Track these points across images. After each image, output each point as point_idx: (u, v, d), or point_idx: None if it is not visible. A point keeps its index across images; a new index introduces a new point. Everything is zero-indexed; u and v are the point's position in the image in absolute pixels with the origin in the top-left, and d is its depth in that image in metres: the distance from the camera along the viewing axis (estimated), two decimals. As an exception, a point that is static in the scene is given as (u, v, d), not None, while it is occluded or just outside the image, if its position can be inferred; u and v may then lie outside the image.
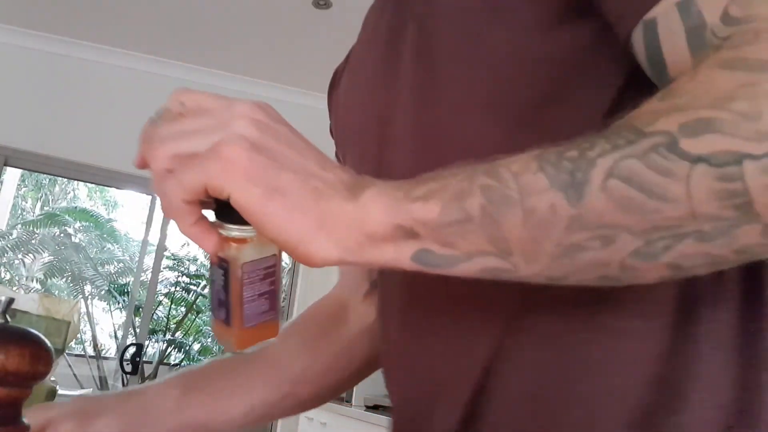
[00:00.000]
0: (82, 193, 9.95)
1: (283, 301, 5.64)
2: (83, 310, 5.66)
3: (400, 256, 0.28)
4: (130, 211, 9.86)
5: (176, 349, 5.61)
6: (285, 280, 5.54)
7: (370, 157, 0.47)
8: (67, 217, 8.02)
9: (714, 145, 0.23)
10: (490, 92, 0.37)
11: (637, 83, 0.33)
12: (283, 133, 0.29)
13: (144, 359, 3.65)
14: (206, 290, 6.22)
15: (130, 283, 6.45)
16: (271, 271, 0.32)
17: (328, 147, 0.92)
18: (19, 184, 9.39)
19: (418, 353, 0.40)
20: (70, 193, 9.92)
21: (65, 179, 8.35)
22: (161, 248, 3.85)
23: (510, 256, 0.26)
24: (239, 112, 0.30)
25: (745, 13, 0.27)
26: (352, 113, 0.52)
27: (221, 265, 0.32)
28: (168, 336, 5.62)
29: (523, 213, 0.25)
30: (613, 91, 0.34)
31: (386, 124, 0.44)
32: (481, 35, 0.37)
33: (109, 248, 8.37)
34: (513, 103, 0.36)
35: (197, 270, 6.24)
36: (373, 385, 2.30)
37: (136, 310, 4.75)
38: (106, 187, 8.19)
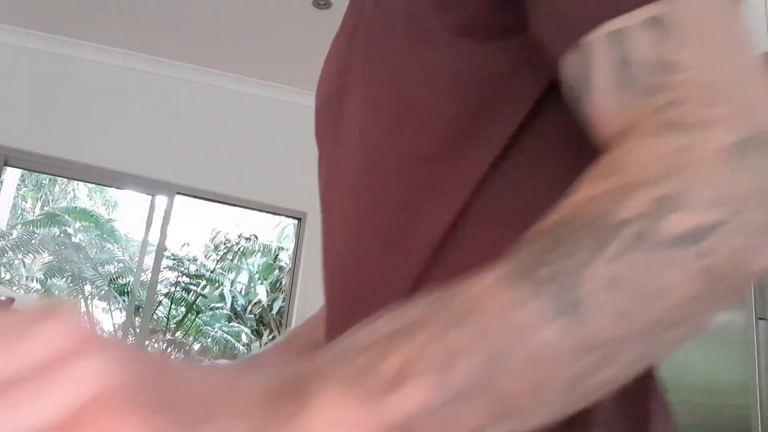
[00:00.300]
0: (82, 193, 9.95)
1: (282, 302, 5.64)
2: (83, 310, 5.66)
3: None
4: (130, 211, 9.86)
5: (176, 349, 5.60)
6: (285, 281, 5.55)
7: (327, 134, 0.48)
8: (67, 217, 8.02)
9: (683, 222, 0.22)
10: (417, 104, 0.38)
11: (553, 97, 0.33)
12: None
13: (144, 359, 3.64)
14: (206, 290, 6.22)
15: (130, 283, 6.45)
16: None
17: None
18: (19, 184, 9.38)
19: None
20: (70, 193, 9.92)
21: (65, 179, 8.35)
22: (161, 248, 3.85)
23: (519, 414, 0.22)
24: None
25: (675, 58, 0.27)
26: (318, 95, 0.54)
27: None
28: (168, 336, 5.62)
29: (522, 361, 0.21)
30: (531, 103, 0.35)
31: (340, 115, 0.46)
32: (406, 52, 0.39)
33: (109, 248, 8.37)
34: (440, 114, 0.37)
35: (197, 270, 6.24)
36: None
37: (136, 310, 4.75)
38: (106, 187, 8.19)
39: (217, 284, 6.45)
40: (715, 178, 0.23)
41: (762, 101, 0.26)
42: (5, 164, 3.53)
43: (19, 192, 9.47)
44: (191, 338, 5.97)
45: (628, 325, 0.22)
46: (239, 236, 6.62)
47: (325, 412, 0.20)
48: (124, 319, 5.76)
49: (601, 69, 0.28)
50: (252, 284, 6.96)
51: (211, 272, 6.27)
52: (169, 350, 5.43)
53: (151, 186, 3.78)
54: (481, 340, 0.21)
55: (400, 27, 0.40)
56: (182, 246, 6.76)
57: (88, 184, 7.32)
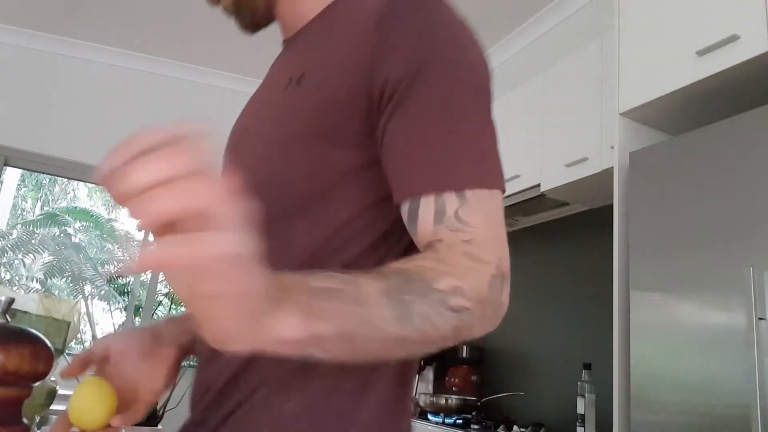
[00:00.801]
0: (81, 193, 9.95)
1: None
2: (83, 310, 5.66)
3: (293, 351, 0.39)
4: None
5: (176, 349, 5.61)
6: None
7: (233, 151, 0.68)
8: (67, 217, 8.02)
9: (460, 303, 0.45)
10: (281, 175, 0.58)
11: (375, 209, 0.56)
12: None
13: (144, 359, 3.64)
14: (206, 290, 6.22)
15: (130, 283, 6.45)
16: None
17: None
18: (19, 184, 9.38)
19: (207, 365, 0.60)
20: (70, 193, 9.92)
21: (65, 179, 8.35)
22: (161, 248, 3.85)
23: (352, 355, 0.43)
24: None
25: (466, 218, 0.49)
26: (231, 134, 0.72)
27: None
28: (168, 336, 5.62)
29: (370, 335, 0.42)
30: (361, 205, 0.56)
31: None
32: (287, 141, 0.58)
33: (109, 248, 8.37)
34: (293, 188, 0.57)
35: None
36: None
37: (136, 310, 4.75)
38: (106, 187, 8.18)
39: (217, 284, 6.47)
40: (480, 288, 0.46)
41: (504, 254, 0.49)
42: (5, 164, 3.52)
43: (19, 192, 9.47)
44: (191, 338, 5.97)
45: (423, 335, 0.44)
46: (239, 236, 6.63)
47: (287, 314, 0.38)
48: (124, 319, 5.76)
49: (427, 214, 0.50)
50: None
51: (211, 272, 6.27)
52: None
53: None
54: (354, 318, 0.41)
55: (286, 120, 0.59)
56: (182, 246, 6.77)
57: (88, 184, 7.32)
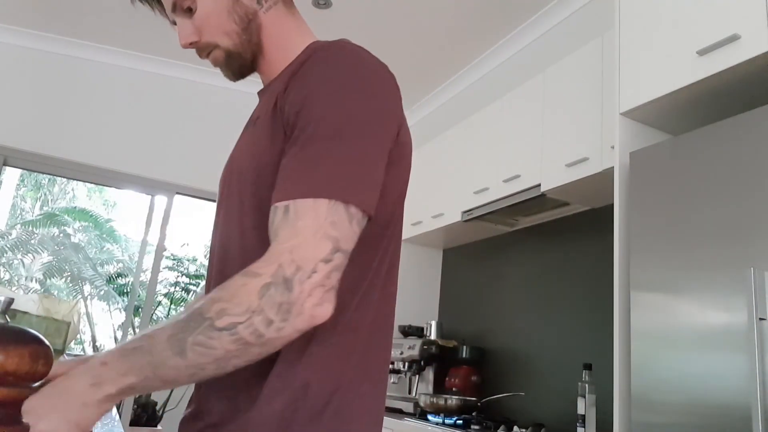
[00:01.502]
0: (81, 193, 9.94)
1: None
2: (83, 310, 5.65)
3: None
4: (130, 211, 9.85)
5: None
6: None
7: (221, 200, 0.80)
8: (66, 217, 8.01)
9: (227, 321, 0.55)
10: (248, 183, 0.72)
11: None
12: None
13: (143, 359, 3.63)
14: (206, 290, 6.21)
15: (130, 283, 6.44)
16: None
17: None
18: (18, 184, 9.37)
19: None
20: (69, 193, 9.91)
21: (64, 179, 8.34)
22: (160, 248, 3.85)
23: (164, 386, 0.58)
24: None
25: (278, 231, 0.58)
26: (224, 169, 0.83)
27: None
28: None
29: (167, 370, 0.56)
30: None
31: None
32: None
33: (108, 248, 8.36)
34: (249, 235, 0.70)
35: (197, 270, 6.23)
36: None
37: (136, 310, 4.75)
38: (105, 187, 8.18)
39: (216, 284, 6.46)
40: (247, 301, 0.56)
41: (289, 260, 0.56)
42: (5, 164, 3.52)
43: (19, 192, 9.46)
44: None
45: (206, 359, 0.56)
46: (239, 236, 6.62)
47: (79, 391, 0.55)
48: (123, 319, 5.76)
49: (270, 221, 0.61)
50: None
51: (211, 272, 6.26)
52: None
53: (150, 186, 3.77)
54: (148, 367, 0.56)
55: (246, 153, 0.74)
56: (182, 246, 6.76)
57: (87, 184, 7.30)
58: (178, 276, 5.97)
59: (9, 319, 0.72)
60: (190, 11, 0.76)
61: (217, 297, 0.57)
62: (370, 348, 0.70)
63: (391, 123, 0.67)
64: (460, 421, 2.40)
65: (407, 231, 3.28)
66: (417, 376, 2.97)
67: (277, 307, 0.55)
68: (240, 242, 0.70)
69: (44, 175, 8.57)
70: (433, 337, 3.08)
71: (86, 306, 5.85)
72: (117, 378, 0.55)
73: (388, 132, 0.67)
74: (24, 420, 0.46)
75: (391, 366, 3.06)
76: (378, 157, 0.64)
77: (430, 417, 2.58)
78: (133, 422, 3.49)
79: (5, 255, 6.95)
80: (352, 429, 0.66)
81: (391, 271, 0.74)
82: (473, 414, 2.54)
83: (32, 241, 7.11)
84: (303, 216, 0.58)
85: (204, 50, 0.78)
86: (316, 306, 0.56)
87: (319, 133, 0.61)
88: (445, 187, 3.08)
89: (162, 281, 5.72)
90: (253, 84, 1.00)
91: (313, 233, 0.57)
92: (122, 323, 5.71)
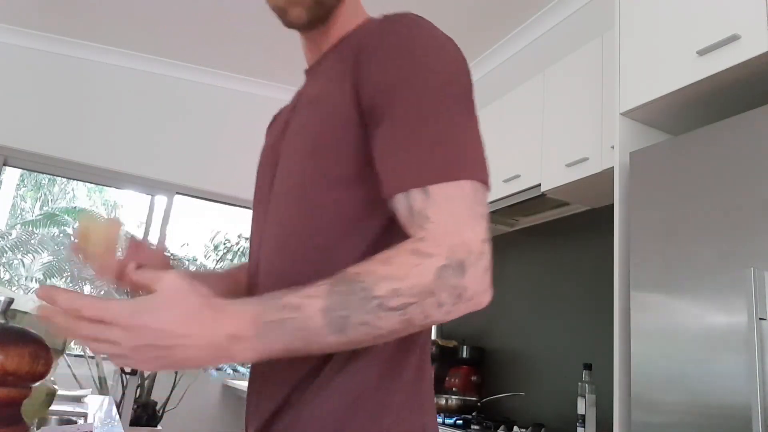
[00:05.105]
0: (81, 193, 9.94)
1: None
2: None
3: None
4: (129, 211, 9.85)
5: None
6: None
7: (263, 190, 0.79)
8: (66, 216, 8.01)
9: (399, 301, 0.53)
10: (317, 209, 0.69)
11: (370, 208, 0.66)
12: (153, 338, 0.49)
13: (143, 359, 3.64)
14: (206, 290, 6.20)
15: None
16: None
17: None
18: (18, 184, 9.37)
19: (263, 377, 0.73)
20: (69, 193, 9.91)
21: (64, 179, 8.34)
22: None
23: (308, 353, 0.55)
24: (132, 343, 0.50)
25: (428, 213, 0.56)
26: (261, 156, 0.84)
27: None
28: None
29: (319, 345, 0.54)
30: (381, 225, 0.66)
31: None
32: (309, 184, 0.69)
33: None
34: (326, 227, 0.68)
35: (197, 270, 6.23)
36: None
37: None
38: (105, 187, 8.18)
39: (216, 284, 6.45)
40: (422, 282, 0.53)
41: (460, 241, 0.55)
42: (5, 164, 3.52)
43: (19, 192, 9.46)
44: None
45: (367, 337, 0.54)
46: (239, 236, 6.61)
47: (228, 314, 0.52)
48: (123, 319, 5.76)
49: (401, 208, 0.59)
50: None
51: (211, 272, 6.26)
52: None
53: (150, 186, 3.77)
54: (298, 340, 0.53)
55: (299, 134, 0.72)
56: (182, 246, 6.76)
57: (87, 184, 7.30)
58: (178, 276, 5.95)
59: (9, 319, 0.72)
60: None
61: (386, 273, 0.53)
62: (424, 345, 0.71)
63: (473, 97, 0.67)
64: (460, 421, 2.40)
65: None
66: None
67: (450, 290, 0.53)
68: (308, 221, 0.67)
69: (44, 175, 8.57)
70: (432, 336, 3.08)
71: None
72: (250, 352, 0.52)
73: (475, 104, 0.67)
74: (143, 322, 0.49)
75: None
76: (479, 130, 0.64)
77: (430, 417, 2.58)
78: (133, 422, 3.49)
79: (5, 255, 6.95)
80: (425, 421, 0.67)
81: None
82: (473, 414, 2.54)
83: (32, 241, 7.12)
84: (453, 198, 0.56)
85: None
86: (483, 292, 0.56)
87: (425, 113, 0.59)
88: (445, 187, 3.08)
89: (162, 281, 5.70)
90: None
91: (470, 215, 0.56)
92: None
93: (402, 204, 0.58)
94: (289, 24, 0.77)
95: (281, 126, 0.79)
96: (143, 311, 0.49)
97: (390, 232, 0.64)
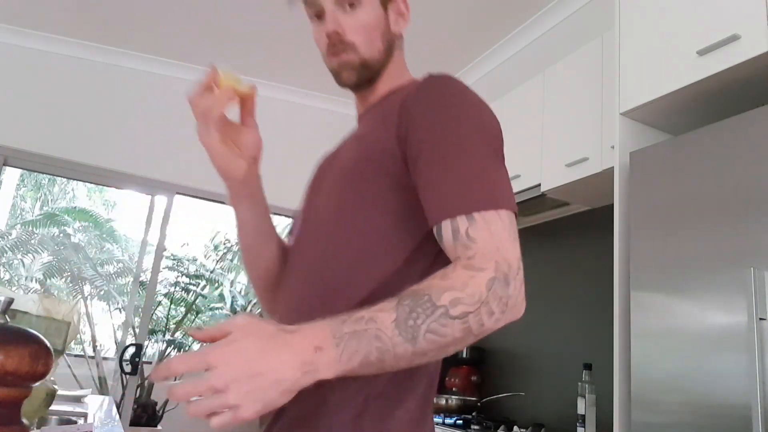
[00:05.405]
0: (81, 193, 9.94)
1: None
2: (83, 310, 5.65)
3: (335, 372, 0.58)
4: (130, 211, 9.85)
5: (176, 350, 5.60)
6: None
7: (307, 206, 0.89)
8: (66, 216, 8.01)
9: (461, 310, 0.59)
10: (354, 231, 0.77)
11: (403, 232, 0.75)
12: (245, 374, 0.53)
13: (143, 359, 3.64)
14: (205, 290, 6.20)
15: (129, 283, 6.44)
16: None
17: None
18: (18, 184, 9.37)
19: None
20: (69, 193, 9.91)
21: (64, 179, 8.34)
22: (160, 248, 3.85)
23: (382, 370, 0.60)
24: (224, 384, 0.52)
25: (473, 235, 0.65)
26: (312, 174, 0.93)
27: None
28: (167, 336, 5.61)
29: (393, 356, 0.58)
30: (414, 243, 0.75)
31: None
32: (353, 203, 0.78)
33: (108, 248, 8.36)
34: (364, 244, 0.77)
35: (197, 270, 6.22)
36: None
37: (136, 310, 4.75)
38: (105, 187, 8.19)
39: (216, 284, 6.44)
40: (479, 293, 0.60)
41: (502, 258, 0.63)
42: (5, 164, 3.52)
43: (19, 192, 9.46)
44: (190, 338, 5.97)
45: (434, 346, 0.59)
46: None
47: (305, 332, 0.58)
48: (123, 319, 5.76)
49: (446, 233, 0.67)
50: (251, 284, 6.94)
51: (211, 272, 6.25)
52: (168, 350, 5.43)
53: (150, 186, 3.77)
54: (381, 346, 0.58)
55: (348, 163, 0.81)
56: (182, 246, 6.75)
57: (87, 184, 7.30)
58: (178, 276, 5.96)
59: (9, 319, 0.71)
60: (352, 6, 0.84)
61: (446, 285, 0.60)
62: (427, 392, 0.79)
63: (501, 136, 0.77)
64: (460, 421, 2.40)
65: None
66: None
67: (498, 300, 0.61)
68: (346, 238, 0.76)
69: (44, 175, 8.57)
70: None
71: (86, 306, 5.84)
72: (335, 364, 0.56)
73: (503, 156, 0.77)
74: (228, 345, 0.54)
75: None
76: (507, 173, 0.74)
77: (430, 417, 2.58)
78: (133, 422, 3.49)
79: (5, 255, 6.95)
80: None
81: None
82: (473, 414, 2.54)
83: (32, 241, 7.12)
84: (493, 223, 0.66)
85: (341, 46, 0.84)
86: (522, 303, 0.65)
87: (463, 152, 0.70)
88: (445, 187, 3.08)
89: (162, 281, 5.72)
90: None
91: (508, 237, 0.66)
92: (122, 323, 5.71)
93: (447, 229, 0.67)
94: (341, 84, 0.87)
95: (330, 159, 0.90)
96: (225, 345, 0.53)
97: (418, 254, 0.74)
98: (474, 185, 0.68)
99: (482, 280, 0.61)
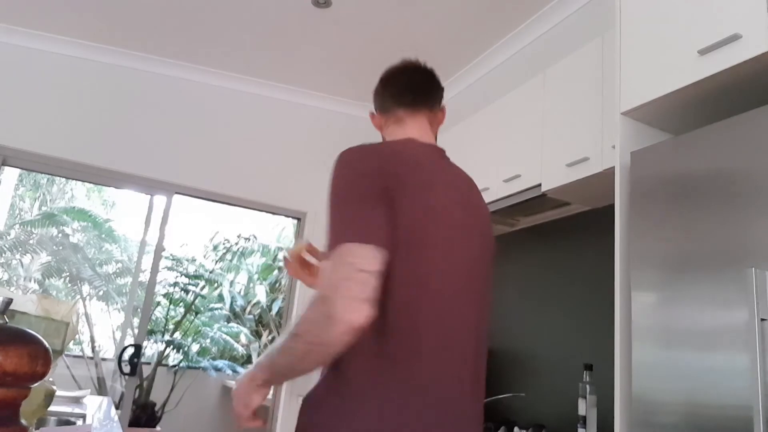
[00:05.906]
0: (79, 193, 9.92)
1: (281, 302, 5.63)
2: (81, 310, 5.64)
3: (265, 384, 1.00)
4: (129, 212, 9.83)
5: (175, 350, 5.59)
6: (284, 281, 5.57)
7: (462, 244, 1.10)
8: (65, 216, 8.00)
9: (299, 328, 0.92)
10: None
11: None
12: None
13: (142, 360, 3.63)
14: (204, 290, 6.19)
15: (129, 283, 6.42)
16: None
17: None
18: (17, 184, 9.35)
19: None
20: (67, 192, 9.90)
21: (63, 179, 8.33)
22: (159, 248, 3.84)
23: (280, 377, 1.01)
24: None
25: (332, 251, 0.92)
26: (452, 215, 1.07)
27: None
28: (166, 337, 5.60)
29: (276, 366, 0.98)
30: None
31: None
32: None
33: (107, 248, 8.35)
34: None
35: (196, 270, 6.22)
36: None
37: (135, 311, 4.74)
38: (104, 187, 8.17)
39: (216, 285, 6.44)
40: (305, 316, 0.91)
41: (321, 288, 0.89)
42: (3, 164, 3.51)
43: (17, 192, 9.44)
44: (190, 339, 5.96)
45: (292, 360, 0.94)
46: (238, 236, 6.60)
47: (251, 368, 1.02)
48: (122, 320, 5.75)
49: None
50: (251, 284, 6.94)
51: (210, 272, 6.24)
52: (167, 351, 5.42)
53: (149, 185, 3.77)
54: (272, 357, 0.98)
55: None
56: (181, 246, 6.75)
57: (86, 183, 7.29)
58: (177, 276, 5.95)
59: (8, 320, 0.71)
60: None
61: (300, 312, 0.98)
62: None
63: (365, 183, 0.96)
64: (460, 422, 2.40)
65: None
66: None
67: (319, 319, 0.90)
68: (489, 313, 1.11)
69: (43, 175, 8.55)
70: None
71: (85, 306, 5.84)
72: (259, 374, 0.97)
73: (366, 190, 0.95)
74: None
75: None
76: (363, 208, 0.94)
77: (429, 417, 2.57)
78: (133, 422, 3.49)
79: (4, 255, 6.94)
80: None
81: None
82: (473, 414, 2.53)
83: (31, 241, 7.11)
84: (336, 256, 0.91)
85: None
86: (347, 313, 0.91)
87: (330, 207, 0.97)
88: (445, 187, 3.07)
89: (161, 281, 5.71)
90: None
91: (340, 267, 0.91)
92: (121, 323, 5.70)
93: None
94: None
95: (464, 195, 1.14)
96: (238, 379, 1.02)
97: None
98: (332, 230, 0.94)
99: (310, 305, 0.89)
